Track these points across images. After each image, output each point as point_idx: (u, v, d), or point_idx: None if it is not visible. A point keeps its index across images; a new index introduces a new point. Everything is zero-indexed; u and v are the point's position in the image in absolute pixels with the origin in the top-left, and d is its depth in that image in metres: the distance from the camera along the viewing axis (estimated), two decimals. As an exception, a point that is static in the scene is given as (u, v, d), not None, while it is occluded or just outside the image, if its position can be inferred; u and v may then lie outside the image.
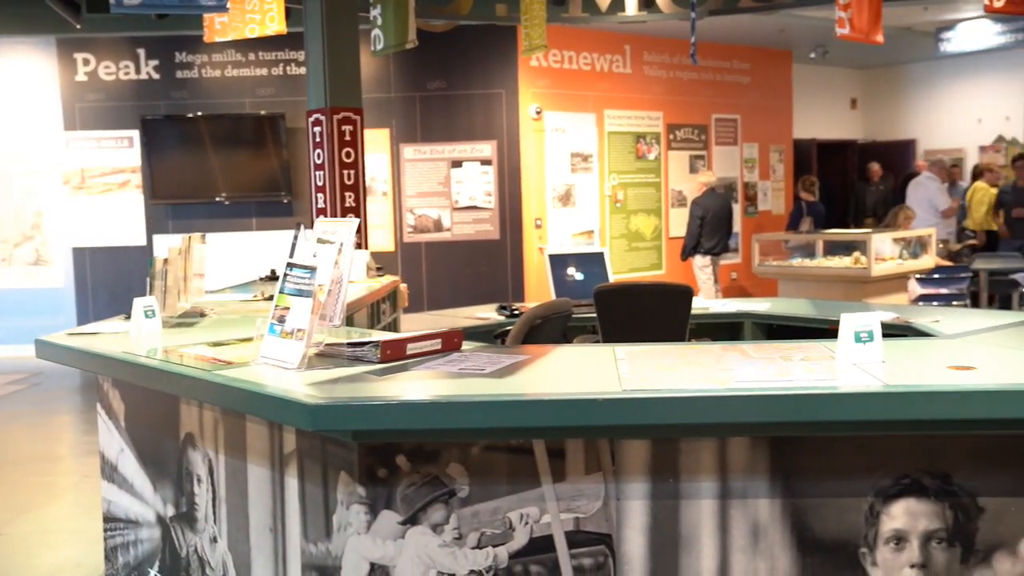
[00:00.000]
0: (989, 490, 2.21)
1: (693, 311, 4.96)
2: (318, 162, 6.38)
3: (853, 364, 2.38)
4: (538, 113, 9.89)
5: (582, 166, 10.41)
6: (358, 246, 6.15)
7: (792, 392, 2.13)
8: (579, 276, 6.12)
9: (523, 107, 9.79)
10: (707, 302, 5.84)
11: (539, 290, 9.24)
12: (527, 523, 2.25)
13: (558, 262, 6.23)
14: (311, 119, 6.41)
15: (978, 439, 2.23)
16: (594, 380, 2.37)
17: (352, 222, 2.57)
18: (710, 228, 9.91)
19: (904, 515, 2.23)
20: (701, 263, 10.02)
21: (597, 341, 4.88)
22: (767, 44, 12.06)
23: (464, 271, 9.76)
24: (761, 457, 2.25)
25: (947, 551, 2.22)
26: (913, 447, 2.23)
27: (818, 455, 2.25)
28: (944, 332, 3.58)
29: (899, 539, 2.23)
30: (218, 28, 6.44)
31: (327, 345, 2.59)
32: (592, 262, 6.38)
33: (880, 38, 5.72)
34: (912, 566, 2.23)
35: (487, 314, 5.34)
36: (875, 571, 2.24)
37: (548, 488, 2.25)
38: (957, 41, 11.46)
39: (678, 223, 11.03)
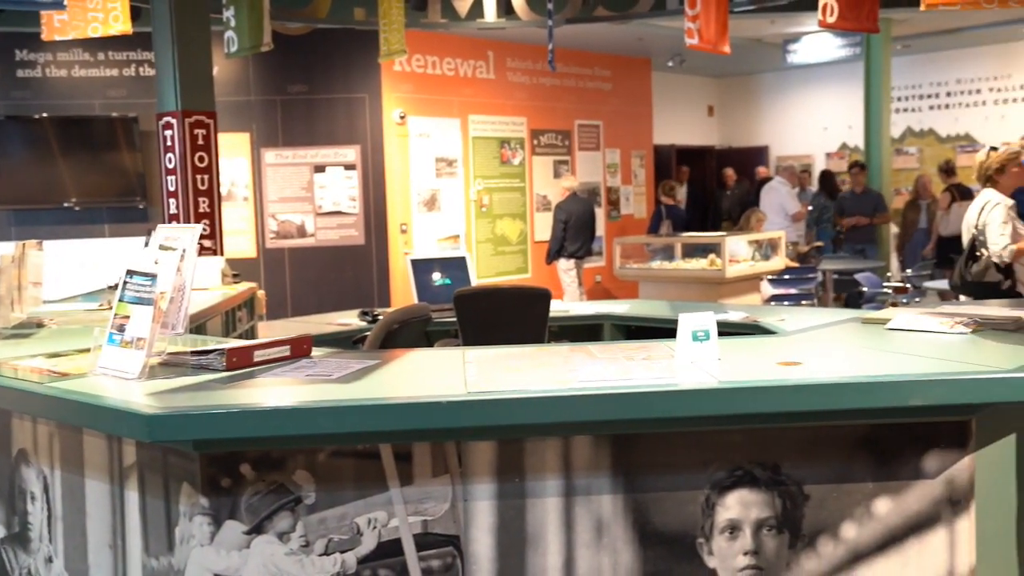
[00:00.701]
0: (814, 478, 2.34)
1: (554, 313, 5.05)
2: (170, 166, 6.19)
3: (691, 362, 2.47)
4: (402, 118, 9.87)
5: (447, 171, 10.44)
6: (213, 252, 6.01)
7: (631, 390, 2.20)
8: (442, 280, 6.14)
9: (387, 112, 9.75)
10: (568, 304, 5.96)
11: (405, 295, 9.21)
12: (375, 527, 2.25)
13: (421, 267, 6.23)
14: (161, 122, 6.21)
15: (804, 430, 2.35)
16: (441, 383, 2.39)
17: (195, 228, 2.52)
18: (574, 232, 10.09)
19: (737, 505, 2.33)
20: (565, 266, 10.19)
21: (459, 345, 4.91)
22: (627, 52, 12.37)
23: (329, 277, 9.64)
24: (603, 455, 2.31)
25: (776, 538, 2.33)
26: (745, 440, 2.34)
27: (657, 451, 2.33)
28: (785, 330, 3.76)
29: (733, 528, 2.33)
30: (57, 26, 6.17)
31: (170, 354, 2.53)
32: (455, 266, 6.41)
33: (727, 48, 5.96)
34: (745, 553, 2.33)
35: (349, 320, 5.30)
36: (711, 560, 2.33)
37: (396, 492, 2.26)
38: (802, 53, 12.02)
39: (543, 227, 11.18)
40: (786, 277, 8.95)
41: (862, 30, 5.77)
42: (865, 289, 9.09)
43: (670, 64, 13.02)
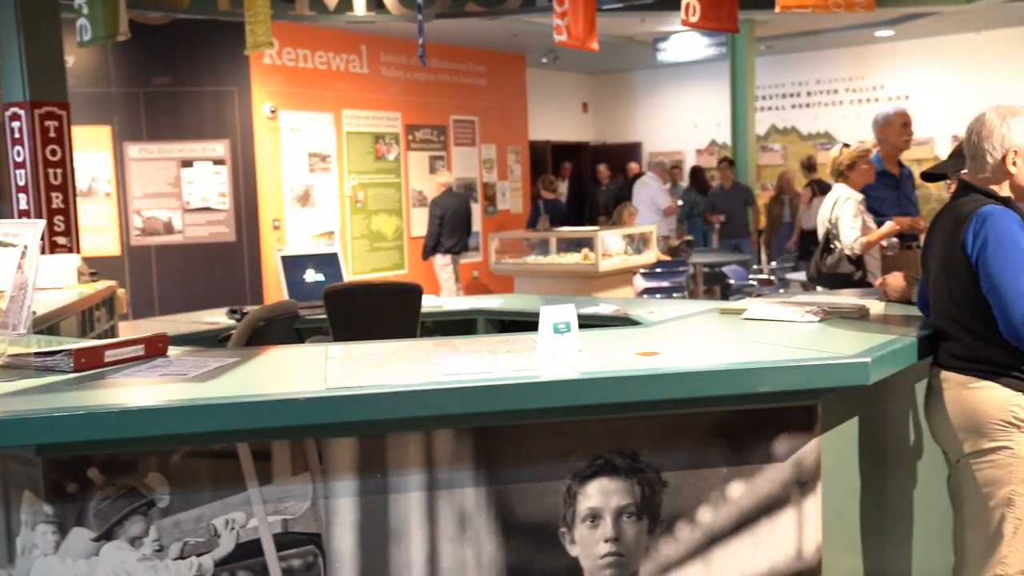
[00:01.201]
0: (671, 465, 2.40)
1: (427, 309, 5.03)
2: (18, 160, 5.89)
3: (552, 354, 2.50)
4: (273, 112, 9.66)
5: (320, 166, 10.28)
6: (68, 250, 5.76)
7: (491, 383, 2.21)
8: (315, 277, 6.05)
9: (257, 105, 9.53)
10: (441, 300, 5.95)
11: (279, 293, 9.01)
12: (233, 529, 2.20)
13: (292, 264, 6.12)
14: (8, 113, 5.88)
15: (662, 418, 2.41)
16: (300, 380, 2.35)
17: (38, 223, 2.41)
18: (450, 227, 10.08)
19: (598, 494, 2.37)
20: (442, 262, 10.18)
21: (330, 342, 4.84)
22: (501, 48, 12.43)
23: (199, 275, 9.37)
24: (465, 448, 2.32)
25: (636, 524, 2.39)
26: (605, 429, 2.38)
27: (519, 443, 2.35)
28: (651, 321, 3.84)
29: (594, 516, 2.37)
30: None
31: (11, 356, 2.41)
32: (327, 263, 6.32)
33: (596, 45, 6.05)
34: (606, 541, 2.38)
35: (217, 318, 5.16)
36: (573, 549, 2.37)
37: (254, 491, 2.22)
38: (672, 51, 12.31)
39: (419, 223, 11.13)
40: (658, 270, 9.15)
41: (723, 30, 5.95)
42: (732, 281, 9.39)
43: (544, 61, 13.14)
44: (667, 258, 9.60)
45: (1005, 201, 2.60)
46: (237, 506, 2.20)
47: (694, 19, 5.51)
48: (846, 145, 5.20)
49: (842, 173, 5.05)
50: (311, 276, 6.04)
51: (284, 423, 2.13)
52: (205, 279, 9.38)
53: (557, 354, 2.49)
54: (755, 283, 9.40)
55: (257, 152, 9.53)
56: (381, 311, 4.79)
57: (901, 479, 3.03)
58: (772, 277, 9.59)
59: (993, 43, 12.46)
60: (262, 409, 2.11)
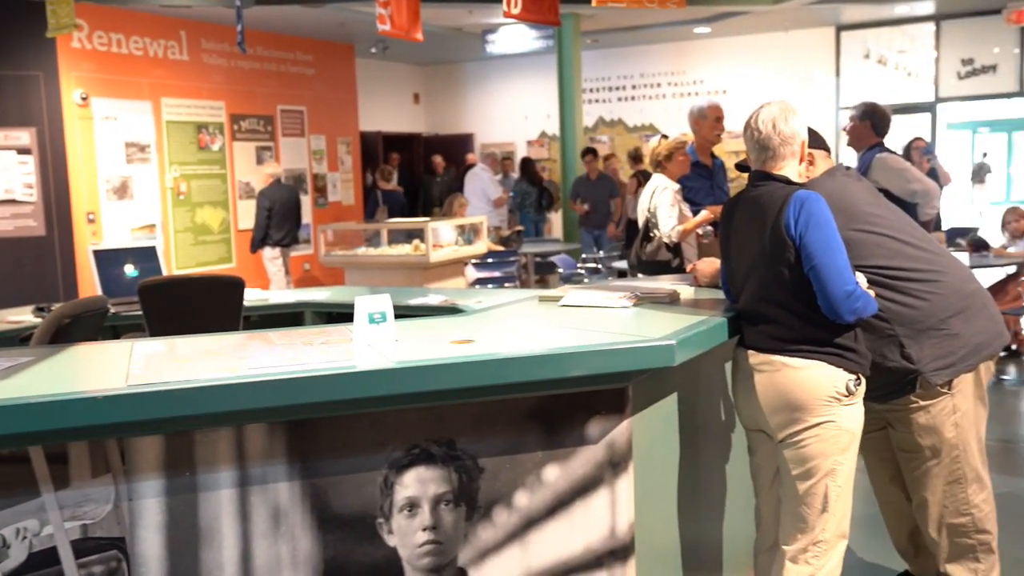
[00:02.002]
0: (487, 451, 2.43)
1: (252, 303, 4.90)
2: None
3: (368, 344, 2.48)
4: (84, 99, 9.16)
5: (139, 156, 9.83)
6: None
7: (302, 375, 2.17)
8: (132, 272, 5.79)
9: (66, 92, 9.00)
10: (266, 293, 5.80)
11: (94, 290, 8.58)
12: (25, 538, 2.08)
13: (106, 258, 5.85)
14: None
15: (478, 405, 2.43)
16: (100, 378, 2.24)
17: None
18: (278, 220, 9.85)
19: (415, 483, 2.37)
20: (271, 255, 9.94)
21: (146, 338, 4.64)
22: (329, 37, 12.22)
23: (4, 271, 8.79)
24: (279, 441, 2.27)
25: (454, 511, 2.40)
26: (421, 418, 2.38)
27: (334, 434, 2.32)
28: (473, 309, 3.86)
29: (412, 506, 2.37)
30: None
31: None
32: (145, 257, 6.07)
33: (420, 35, 6.03)
34: (424, 529, 2.38)
35: (22, 317, 4.86)
36: (391, 539, 2.36)
37: (49, 497, 2.10)
38: (501, 43, 12.42)
39: (247, 215, 10.82)
40: (489, 261, 9.23)
41: (544, 22, 6.04)
42: (561, 270, 9.58)
43: (373, 51, 13.00)
44: (499, 248, 9.70)
45: (803, 187, 2.75)
46: (29, 513, 2.08)
47: (516, 11, 5.57)
48: (664, 136, 5.38)
49: (659, 163, 5.22)
50: (128, 271, 5.78)
51: (81, 423, 2.03)
52: (12, 275, 8.81)
53: (373, 344, 2.48)
54: (583, 272, 9.63)
55: (68, 141, 9.02)
56: (200, 306, 4.63)
57: (713, 456, 3.17)
58: (599, 265, 9.84)
59: (800, 42, 13.21)
60: (55, 409, 1.99)
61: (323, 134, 12.46)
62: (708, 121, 5.34)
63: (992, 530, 3.03)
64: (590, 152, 11.49)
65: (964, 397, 2.92)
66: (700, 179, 5.37)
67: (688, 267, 3.92)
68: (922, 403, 2.92)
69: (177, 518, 2.19)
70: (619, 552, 2.56)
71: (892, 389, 2.93)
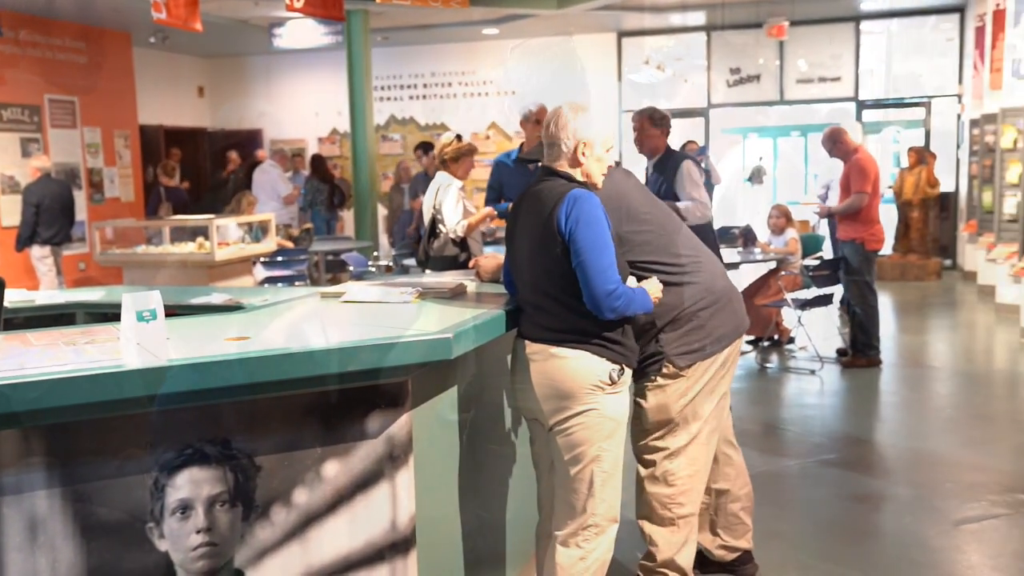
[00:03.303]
0: (265, 449, 2.39)
1: (16, 304, 4.58)
2: None
3: (136, 343, 2.38)
4: None
5: None
6: None
7: (60, 376, 2.07)
8: None
9: None
10: (33, 294, 5.44)
11: None
12: None
13: None
14: None
15: (253, 403, 2.38)
16: None
17: None
18: (48, 216, 9.26)
19: (188, 484, 2.30)
20: (40, 254, 9.33)
21: None
22: (104, 24, 11.57)
23: None
24: (37, 447, 2.15)
25: (230, 511, 2.35)
26: (194, 417, 2.32)
27: (99, 437, 2.22)
28: (254, 306, 3.78)
29: (185, 508, 2.30)
30: None
31: None
32: None
33: (199, 26, 5.82)
34: (198, 531, 2.32)
35: None
36: (163, 543, 2.28)
37: None
38: (288, 38, 12.14)
39: (12, 212, 10.09)
40: (278, 259, 9.04)
41: (329, 17, 5.98)
42: (352, 268, 9.50)
43: (152, 40, 12.41)
44: (289, 246, 9.51)
45: (583, 185, 2.87)
46: None
47: (299, 4, 5.49)
48: (459, 137, 5.48)
49: (445, 162, 5.30)
50: None
51: None
52: None
53: (142, 342, 2.38)
54: (374, 269, 9.60)
55: None
56: (-47, 308, 4.28)
57: (496, 446, 3.25)
58: (391, 263, 9.84)
59: (584, 46, 13.70)
60: None
61: (98, 126, 11.79)
62: (530, 123, 5.49)
63: (689, 506, 3.22)
64: (420, 147, 10.95)
65: (697, 381, 3.16)
66: (520, 176, 5.49)
67: (471, 263, 4.00)
68: (660, 382, 3.14)
69: (-81, 535, 2.03)
70: (400, 545, 2.59)
71: (640, 367, 3.14)
